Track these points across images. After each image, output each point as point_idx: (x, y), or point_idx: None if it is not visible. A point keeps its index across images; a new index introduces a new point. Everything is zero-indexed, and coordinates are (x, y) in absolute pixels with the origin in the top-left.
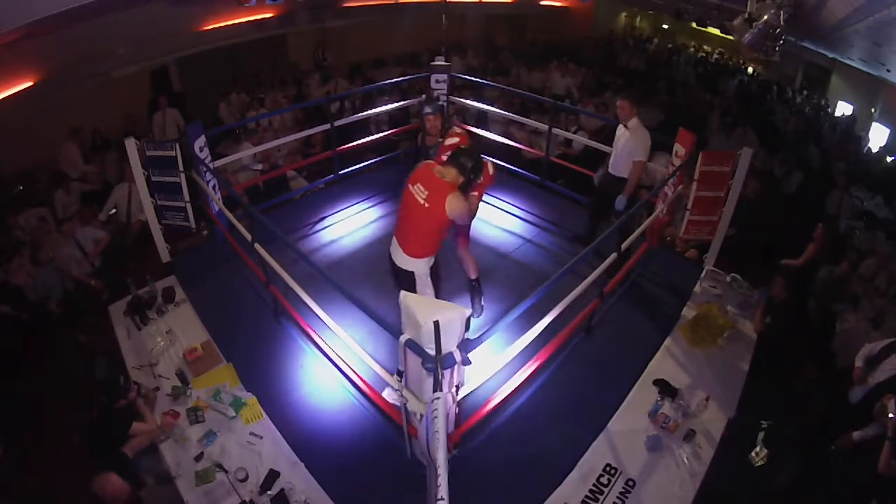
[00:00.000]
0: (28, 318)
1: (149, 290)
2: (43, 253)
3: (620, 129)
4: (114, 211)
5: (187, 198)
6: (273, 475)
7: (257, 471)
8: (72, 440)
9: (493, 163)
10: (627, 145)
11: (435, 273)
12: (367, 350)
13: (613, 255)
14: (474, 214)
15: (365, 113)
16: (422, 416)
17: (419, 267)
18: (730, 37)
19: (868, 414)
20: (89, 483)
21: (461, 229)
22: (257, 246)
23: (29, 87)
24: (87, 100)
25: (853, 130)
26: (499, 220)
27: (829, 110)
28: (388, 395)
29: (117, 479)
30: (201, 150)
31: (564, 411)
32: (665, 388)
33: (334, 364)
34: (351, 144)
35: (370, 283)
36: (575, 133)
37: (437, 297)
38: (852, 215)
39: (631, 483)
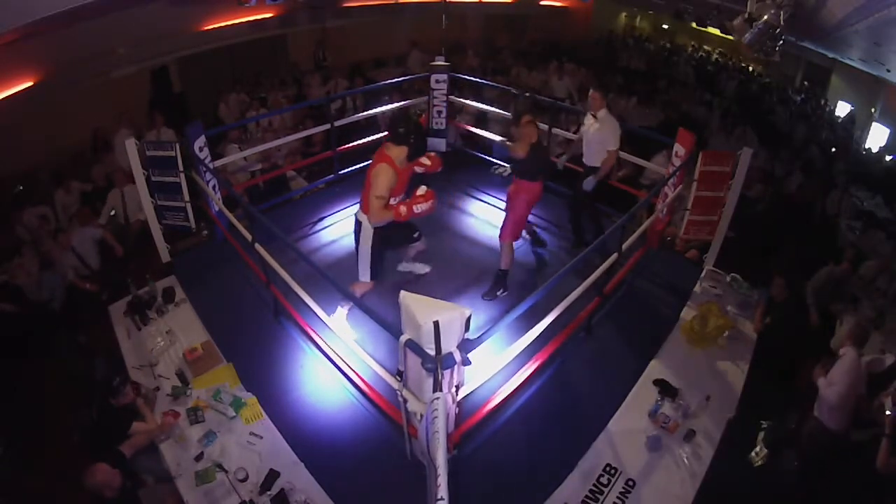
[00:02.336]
0: (28, 317)
1: (149, 290)
2: (42, 255)
3: (589, 119)
4: (113, 212)
5: (187, 198)
6: (273, 475)
7: (257, 471)
8: (72, 440)
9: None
10: (597, 136)
11: (381, 237)
12: (367, 350)
13: (614, 256)
14: (401, 215)
15: (365, 113)
16: (422, 416)
17: (365, 219)
18: (730, 37)
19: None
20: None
21: (507, 219)
22: (257, 246)
23: (29, 87)
24: (87, 100)
25: (853, 130)
26: (499, 220)
27: (830, 110)
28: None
29: (106, 468)
30: (201, 150)
31: (564, 411)
32: (665, 388)
33: (334, 364)
34: (351, 144)
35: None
36: (575, 133)
37: (371, 258)
38: (852, 215)
39: (631, 483)
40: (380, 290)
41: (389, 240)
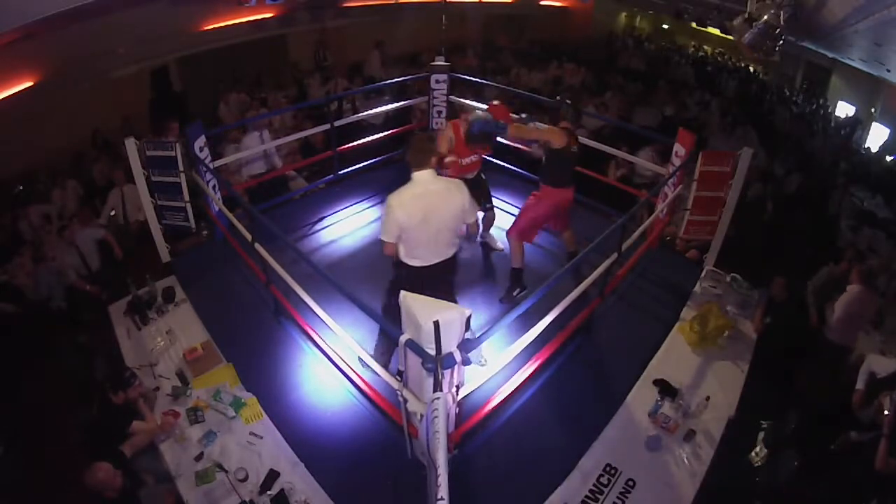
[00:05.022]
0: (29, 317)
1: (149, 290)
2: (43, 253)
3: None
4: (113, 213)
5: (187, 198)
6: (273, 475)
7: (257, 471)
8: (72, 440)
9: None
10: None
11: None
12: (367, 350)
13: (614, 256)
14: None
15: (366, 113)
16: (422, 416)
17: None
18: (730, 37)
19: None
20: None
21: (517, 217)
22: (257, 246)
23: (29, 87)
24: (87, 100)
25: (853, 130)
26: (499, 221)
27: (830, 110)
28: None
29: (108, 467)
30: (201, 150)
31: (564, 411)
32: (665, 388)
33: (334, 364)
34: (351, 144)
35: (370, 283)
36: None
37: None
38: (852, 215)
39: (631, 483)
40: (380, 289)
41: None
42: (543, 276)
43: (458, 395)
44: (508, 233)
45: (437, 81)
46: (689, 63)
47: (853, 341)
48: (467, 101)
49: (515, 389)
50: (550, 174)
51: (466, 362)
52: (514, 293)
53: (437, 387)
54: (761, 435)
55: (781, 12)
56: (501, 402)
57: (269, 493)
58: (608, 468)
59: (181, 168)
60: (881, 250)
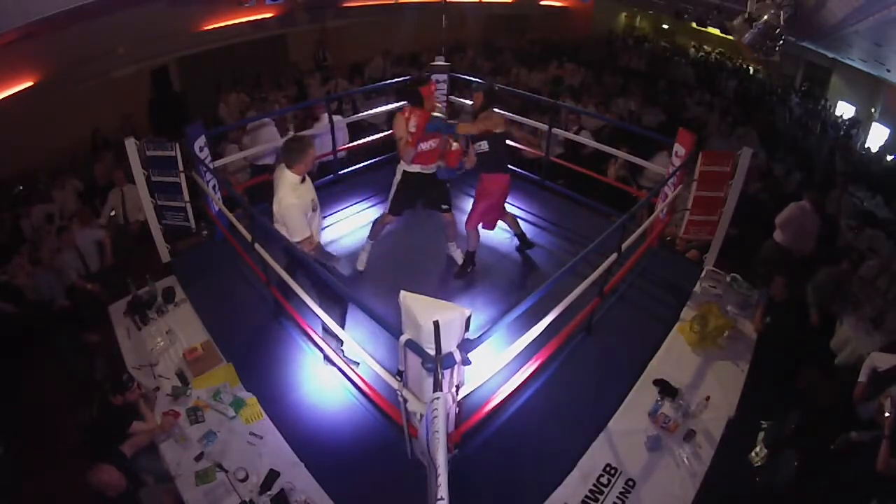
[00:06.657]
0: (28, 317)
1: (149, 290)
2: (43, 253)
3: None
4: (113, 213)
5: (187, 198)
6: (273, 475)
7: (257, 471)
8: (72, 440)
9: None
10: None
11: (411, 183)
12: (367, 350)
13: (614, 255)
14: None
15: (366, 113)
16: (422, 416)
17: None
18: (730, 37)
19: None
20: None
21: (471, 210)
22: (257, 246)
23: (29, 87)
24: (87, 100)
25: (853, 130)
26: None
27: (830, 110)
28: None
29: (112, 469)
30: (201, 150)
31: (564, 411)
32: (665, 388)
33: (334, 364)
34: (351, 144)
35: (370, 283)
36: (576, 133)
37: (394, 195)
38: (852, 215)
39: (631, 483)
40: (380, 290)
41: (422, 193)
42: (543, 277)
43: (458, 395)
44: (466, 225)
45: (437, 81)
46: (688, 63)
47: (803, 248)
48: (467, 101)
49: (515, 389)
50: (494, 161)
51: (466, 362)
52: (468, 270)
53: (437, 387)
54: (761, 435)
55: (781, 12)
56: (501, 402)
57: (269, 493)
58: (608, 468)
59: (181, 168)
60: (881, 250)
